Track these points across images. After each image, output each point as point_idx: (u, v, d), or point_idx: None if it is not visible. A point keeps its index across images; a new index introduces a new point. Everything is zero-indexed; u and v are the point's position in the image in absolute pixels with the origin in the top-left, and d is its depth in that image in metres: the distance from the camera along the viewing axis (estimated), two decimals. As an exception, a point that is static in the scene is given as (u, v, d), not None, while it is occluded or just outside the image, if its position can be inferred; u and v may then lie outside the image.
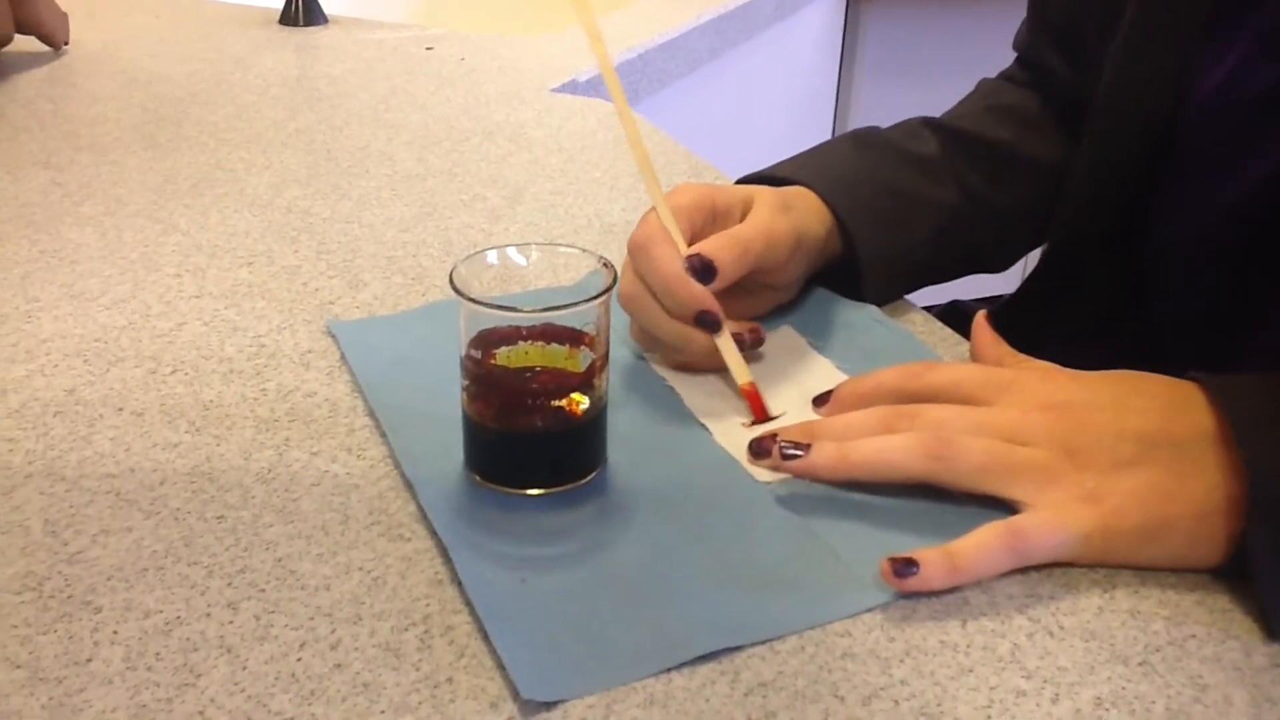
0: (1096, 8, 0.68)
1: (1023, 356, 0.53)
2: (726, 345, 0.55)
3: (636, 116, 0.57)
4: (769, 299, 0.63)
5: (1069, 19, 0.73)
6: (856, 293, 0.65)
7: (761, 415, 0.54)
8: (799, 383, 0.57)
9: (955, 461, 0.47)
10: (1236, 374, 0.47)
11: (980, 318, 0.56)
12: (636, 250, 0.55)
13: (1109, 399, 0.48)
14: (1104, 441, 0.46)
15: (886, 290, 0.66)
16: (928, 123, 0.73)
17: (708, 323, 0.54)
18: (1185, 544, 0.45)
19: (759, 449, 0.50)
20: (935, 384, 0.51)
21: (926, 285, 0.70)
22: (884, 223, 0.65)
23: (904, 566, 0.43)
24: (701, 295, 0.54)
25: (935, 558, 0.44)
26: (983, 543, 0.44)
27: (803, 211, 0.61)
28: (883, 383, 0.52)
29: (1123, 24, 0.64)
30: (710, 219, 0.57)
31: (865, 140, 0.70)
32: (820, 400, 0.54)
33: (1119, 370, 0.50)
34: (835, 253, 0.64)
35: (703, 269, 0.53)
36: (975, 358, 0.56)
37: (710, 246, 0.54)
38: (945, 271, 0.70)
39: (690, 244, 0.55)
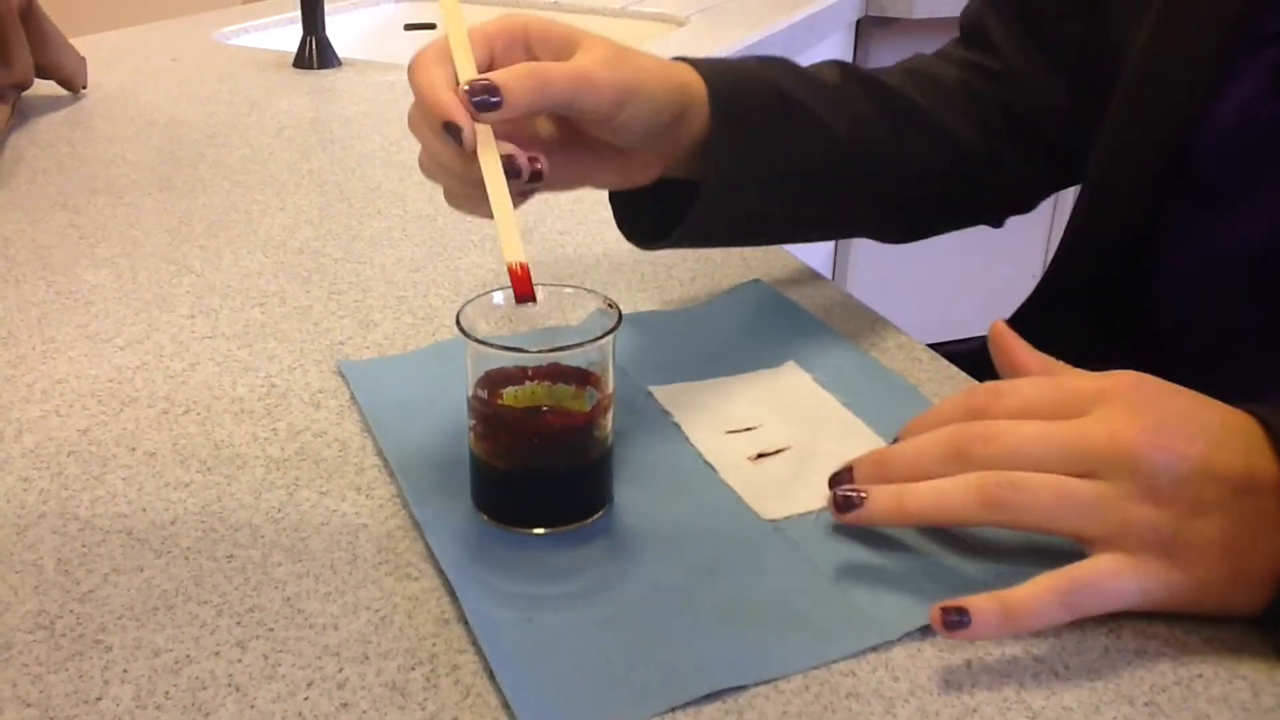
0: None
1: (1068, 367, 0.49)
2: (494, 180, 0.49)
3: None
4: (612, 165, 0.57)
5: None
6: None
7: (526, 291, 0.48)
8: (803, 419, 0.57)
9: (1019, 509, 0.44)
10: None
11: (999, 325, 0.51)
12: (410, 68, 0.50)
13: (1201, 427, 0.44)
14: (1191, 481, 0.43)
15: (739, 197, 0.60)
16: (840, 62, 0.69)
17: (452, 132, 0.48)
18: (1237, 597, 0.44)
19: (837, 483, 0.48)
20: (1008, 414, 0.47)
21: (795, 226, 0.66)
22: (756, 120, 0.60)
23: (955, 616, 0.42)
24: (449, 104, 0.48)
25: (988, 607, 0.42)
26: (1038, 594, 0.42)
27: (644, 69, 0.54)
28: (945, 420, 0.48)
29: (1135, 49, 0.64)
30: (518, 52, 0.52)
31: (770, 57, 0.65)
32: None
33: (1201, 395, 0.46)
34: (703, 136, 0.58)
35: (482, 90, 0.48)
36: (1013, 372, 0.50)
37: (501, 74, 0.49)
38: (820, 212, 0.66)
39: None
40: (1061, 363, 0.50)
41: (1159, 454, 0.43)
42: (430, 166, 0.53)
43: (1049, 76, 0.72)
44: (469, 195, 0.52)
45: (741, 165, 0.59)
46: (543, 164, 0.51)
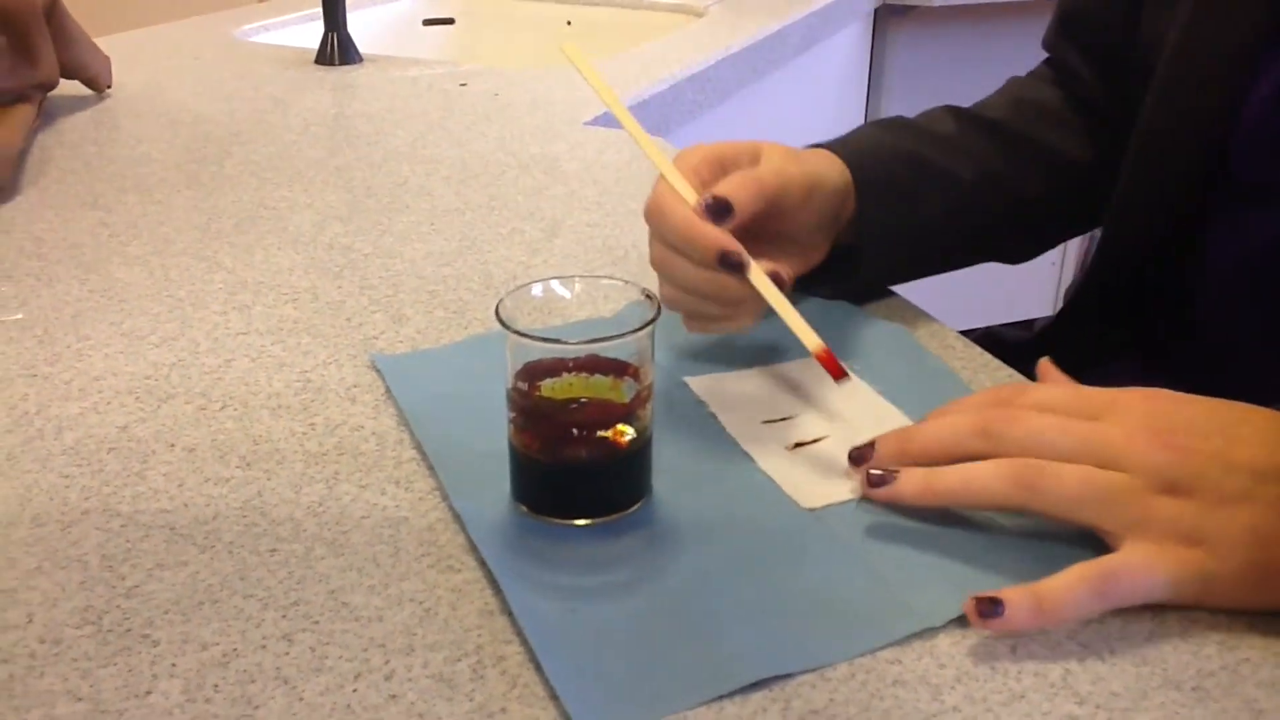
0: (1120, 7, 0.69)
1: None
2: (772, 293, 0.54)
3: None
4: (793, 256, 0.61)
5: (1090, 20, 0.74)
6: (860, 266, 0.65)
7: (840, 371, 0.52)
8: (839, 407, 0.57)
9: (1046, 493, 0.45)
10: None
11: (1045, 363, 0.54)
12: (650, 215, 0.57)
13: (1216, 426, 0.45)
14: (1210, 473, 0.43)
15: (889, 258, 0.66)
16: (950, 109, 0.74)
17: (731, 264, 0.54)
18: (1276, 589, 0.43)
19: (859, 457, 0.51)
20: (1029, 408, 0.49)
21: (936, 267, 0.70)
22: (895, 189, 0.65)
23: (989, 607, 0.42)
24: (719, 235, 0.54)
25: (1021, 599, 0.42)
26: (1071, 585, 0.43)
27: (817, 162, 0.62)
28: (968, 409, 0.50)
29: (1167, 47, 0.64)
30: (720, 172, 0.58)
31: (886, 121, 0.71)
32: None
33: (1222, 399, 0.47)
34: (853, 216, 0.64)
35: (717, 207, 0.54)
36: None
37: (722, 186, 0.55)
38: (957, 252, 0.71)
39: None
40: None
41: (1174, 453, 0.44)
42: (679, 297, 0.58)
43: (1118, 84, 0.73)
44: (715, 314, 0.58)
45: (887, 233, 0.65)
46: (787, 273, 0.56)
